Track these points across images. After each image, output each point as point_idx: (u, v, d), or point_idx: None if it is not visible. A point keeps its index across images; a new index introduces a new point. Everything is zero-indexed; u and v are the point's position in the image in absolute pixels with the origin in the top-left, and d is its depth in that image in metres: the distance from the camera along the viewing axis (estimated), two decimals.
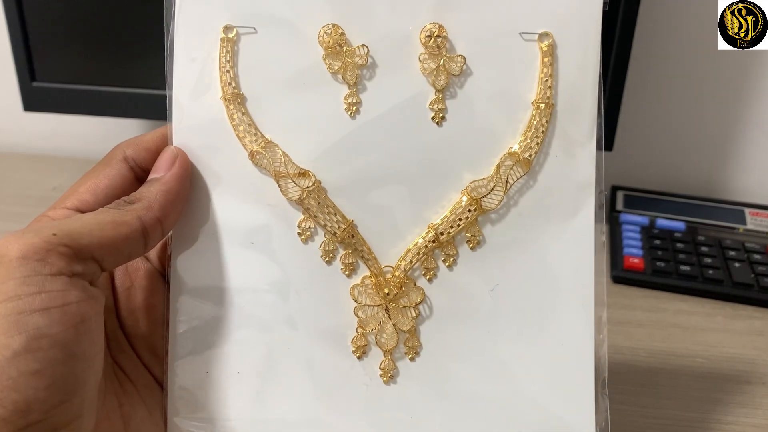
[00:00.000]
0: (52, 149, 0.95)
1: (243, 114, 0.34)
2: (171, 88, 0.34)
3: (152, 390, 0.34)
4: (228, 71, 0.34)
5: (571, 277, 0.34)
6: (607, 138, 0.68)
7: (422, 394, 0.34)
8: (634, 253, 0.68)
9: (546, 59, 0.34)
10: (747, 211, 0.76)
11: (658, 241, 0.70)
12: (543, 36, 0.34)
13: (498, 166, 0.34)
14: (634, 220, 0.73)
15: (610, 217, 0.75)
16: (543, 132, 0.34)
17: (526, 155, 0.34)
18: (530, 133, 0.34)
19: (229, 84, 0.34)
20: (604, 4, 0.33)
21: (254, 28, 0.34)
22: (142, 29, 0.70)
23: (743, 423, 0.49)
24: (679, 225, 0.72)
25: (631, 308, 0.62)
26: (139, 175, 0.35)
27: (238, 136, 0.34)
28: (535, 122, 0.34)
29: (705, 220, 0.74)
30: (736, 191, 0.84)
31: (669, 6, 0.76)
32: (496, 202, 0.34)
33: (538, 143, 0.34)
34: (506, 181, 0.34)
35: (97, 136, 0.92)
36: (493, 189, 0.34)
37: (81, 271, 0.28)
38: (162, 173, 0.33)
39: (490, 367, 0.34)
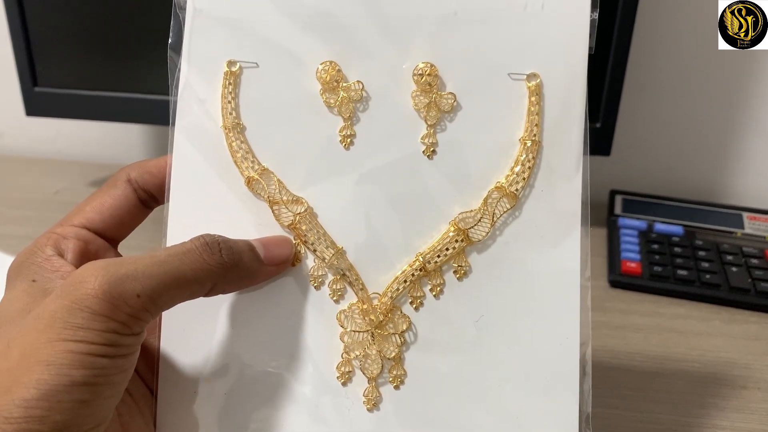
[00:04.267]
0: (53, 153, 0.95)
1: (242, 142, 0.35)
2: (174, 116, 0.35)
3: (148, 401, 0.35)
4: (230, 102, 0.35)
5: (556, 310, 0.34)
6: (606, 142, 0.68)
7: (405, 422, 0.34)
8: (631, 258, 0.67)
9: (533, 98, 0.34)
10: (745, 215, 0.75)
11: (655, 246, 0.69)
12: (531, 76, 0.34)
13: (485, 199, 0.34)
14: (631, 224, 0.72)
15: (608, 221, 0.74)
16: (530, 167, 0.34)
17: (513, 189, 0.34)
18: (517, 168, 0.34)
19: (230, 114, 0.35)
20: (590, 48, 0.34)
21: (256, 63, 0.35)
22: (144, 35, 0.70)
23: (739, 428, 0.49)
24: (677, 229, 0.72)
25: (628, 312, 0.62)
26: (141, 197, 0.36)
27: (235, 162, 0.34)
28: (522, 158, 0.34)
29: (703, 224, 0.74)
30: (734, 195, 0.84)
31: (666, 8, 0.75)
32: (483, 234, 0.34)
33: (524, 178, 0.34)
34: (493, 213, 0.34)
35: (98, 141, 0.93)
36: (480, 220, 0.34)
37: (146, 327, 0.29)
38: (269, 263, 0.33)
39: (474, 398, 0.34)
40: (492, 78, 0.34)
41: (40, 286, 0.31)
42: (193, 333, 0.35)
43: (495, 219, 0.34)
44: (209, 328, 0.34)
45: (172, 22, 0.35)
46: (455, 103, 0.34)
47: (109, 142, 0.93)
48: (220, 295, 0.34)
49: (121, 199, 0.35)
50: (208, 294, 0.31)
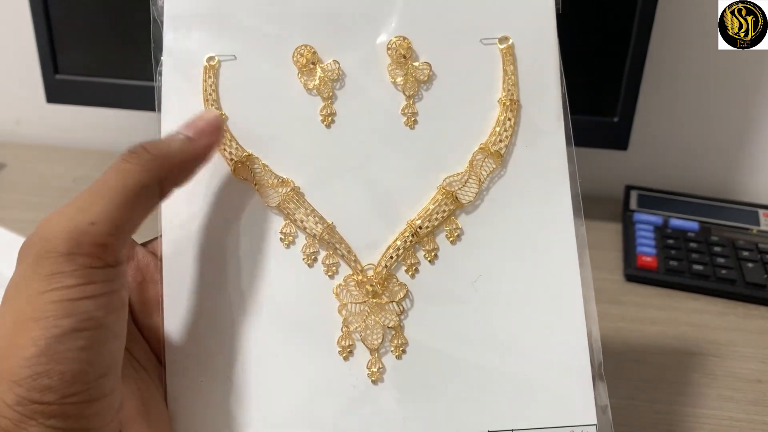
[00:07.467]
0: (73, 141, 0.94)
1: (224, 131, 0.34)
2: (160, 113, 0.35)
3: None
4: (210, 94, 0.35)
5: (554, 263, 0.33)
6: (623, 137, 0.68)
7: (412, 391, 0.33)
8: (647, 252, 0.66)
9: (507, 59, 0.34)
10: (761, 212, 0.74)
11: (671, 241, 0.68)
12: (502, 39, 0.35)
13: (471, 161, 0.34)
14: (647, 220, 0.72)
15: (624, 216, 0.74)
16: (511, 126, 0.34)
17: (496, 148, 0.34)
18: (498, 129, 0.34)
19: (212, 106, 0.35)
20: (557, 8, 0.34)
21: (234, 56, 0.35)
22: None
23: (754, 420, 0.48)
24: (693, 225, 0.71)
25: (643, 306, 0.61)
26: None
27: (220, 151, 0.34)
28: (501, 118, 0.34)
29: (718, 220, 0.73)
30: (750, 192, 0.82)
31: (685, 6, 0.74)
32: (472, 195, 0.34)
33: (507, 137, 0.34)
34: (479, 174, 0.34)
35: (117, 129, 0.91)
36: (467, 182, 0.34)
37: (123, 257, 0.29)
38: (198, 137, 0.32)
39: (480, 358, 0.33)
40: (465, 44, 0.35)
41: None
42: (194, 318, 0.34)
43: (482, 180, 0.34)
44: (209, 312, 0.34)
45: (152, 23, 0.35)
46: (431, 73, 0.35)
47: (128, 130, 0.90)
48: (215, 283, 0.34)
49: None
50: (163, 194, 0.30)
